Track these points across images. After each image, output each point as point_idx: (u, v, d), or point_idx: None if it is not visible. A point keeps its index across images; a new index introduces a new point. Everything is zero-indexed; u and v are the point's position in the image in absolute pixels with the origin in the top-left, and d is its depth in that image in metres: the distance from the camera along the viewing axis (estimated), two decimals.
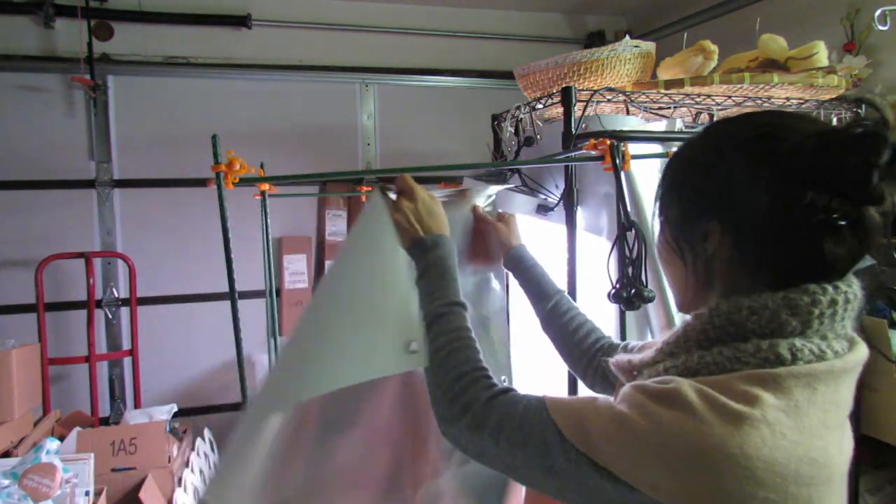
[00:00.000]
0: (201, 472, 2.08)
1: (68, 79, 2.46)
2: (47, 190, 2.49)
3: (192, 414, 2.61)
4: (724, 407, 0.54)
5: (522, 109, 1.63)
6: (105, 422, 2.45)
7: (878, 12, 1.80)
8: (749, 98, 1.52)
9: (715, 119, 1.55)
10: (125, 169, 2.59)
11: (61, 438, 1.78)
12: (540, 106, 1.55)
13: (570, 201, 1.37)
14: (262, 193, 1.60)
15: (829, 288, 0.59)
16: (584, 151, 1.24)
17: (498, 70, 3.00)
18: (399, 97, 2.94)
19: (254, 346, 2.39)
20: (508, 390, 0.69)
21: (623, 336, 1.32)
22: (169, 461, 1.84)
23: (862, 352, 0.62)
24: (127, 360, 2.57)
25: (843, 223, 0.57)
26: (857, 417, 1.72)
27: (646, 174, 1.37)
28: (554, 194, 1.56)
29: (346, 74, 2.84)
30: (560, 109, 1.41)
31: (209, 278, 2.64)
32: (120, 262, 2.56)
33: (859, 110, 1.69)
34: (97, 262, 2.53)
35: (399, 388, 0.97)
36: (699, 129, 1.44)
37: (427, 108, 2.99)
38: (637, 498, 0.56)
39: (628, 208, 1.08)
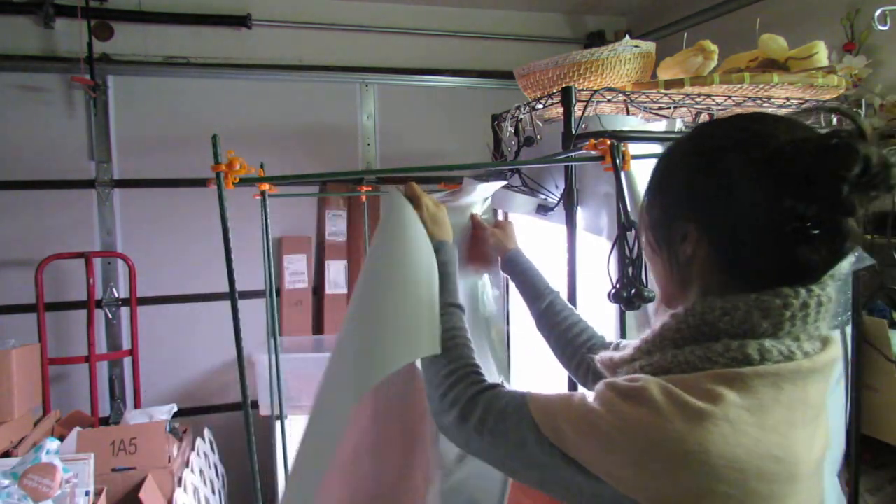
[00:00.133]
0: (201, 472, 2.08)
1: (68, 79, 2.46)
2: (47, 190, 2.49)
3: (192, 414, 2.61)
4: (686, 404, 0.56)
5: (522, 109, 1.63)
6: (105, 422, 2.45)
7: (878, 12, 1.80)
8: (749, 98, 1.52)
9: (714, 119, 1.55)
10: (125, 169, 2.59)
11: (61, 438, 1.78)
12: (540, 106, 1.55)
13: (570, 201, 1.37)
14: (262, 193, 1.60)
15: (802, 291, 0.61)
16: (584, 151, 1.24)
17: (498, 70, 3.00)
18: (399, 97, 2.94)
19: (254, 346, 2.39)
20: (495, 386, 0.72)
21: (623, 336, 1.32)
22: (169, 461, 1.84)
23: (833, 352, 0.64)
24: (127, 360, 2.57)
25: (816, 231, 0.58)
26: (856, 417, 1.72)
27: (646, 174, 1.36)
28: (554, 194, 1.56)
29: (346, 74, 2.84)
30: (560, 109, 1.41)
31: (209, 278, 2.64)
32: (120, 262, 2.56)
33: (858, 110, 1.69)
34: (97, 262, 2.53)
35: (396, 397, 0.99)
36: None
37: (427, 108, 2.99)
38: (606, 490, 0.58)
39: (628, 208, 1.09)
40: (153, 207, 2.62)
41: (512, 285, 1.21)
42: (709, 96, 1.49)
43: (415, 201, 0.93)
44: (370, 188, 2.54)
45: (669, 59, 1.60)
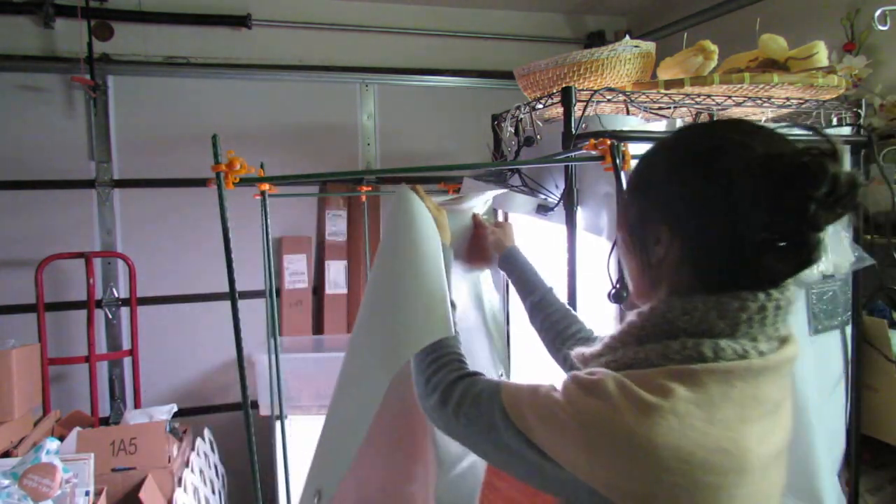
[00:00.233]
0: (201, 472, 2.08)
1: (68, 79, 2.46)
2: (47, 190, 2.49)
3: (192, 414, 2.61)
4: (637, 398, 0.59)
5: (522, 109, 1.62)
6: (105, 422, 2.45)
7: (878, 12, 1.80)
8: (749, 98, 1.52)
9: (715, 118, 1.55)
10: (125, 169, 2.59)
11: (61, 438, 1.78)
12: (540, 106, 1.55)
13: (570, 201, 1.37)
14: (262, 193, 1.60)
15: (761, 295, 0.64)
16: (584, 151, 1.24)
17: (498, 70, 3.00)
18: (399, 97, 2.94)
19: (254, 346, 2.39)
20: (474, 374, 0.77)
21: None
22: (169, 461, 1.84)
23: (789, 352, 0.66)
24: (127, 360, 2.57)
25: (783, 243, 0.61)
26: (856, 417, 1.72)
27: None
28: (554, 194, 1.55)
29: (346, 74, 2.84)
30: (560, 109, 1.40)
31: (209, 278, 2.64)
32: (120, 262, 2.56)
33: (859, 110, 1.69)
34: (97, 262, 2.53)
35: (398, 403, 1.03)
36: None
37: (427, 108, 2.99)
38: (566, 475, 0.63)
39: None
40: (153, 207, 2.62)
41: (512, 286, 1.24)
42: (709, 96, 1.49)
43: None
44: (370, 188, 2.54)
45: (669, 59, 1.60)
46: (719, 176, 0.62)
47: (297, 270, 2.77)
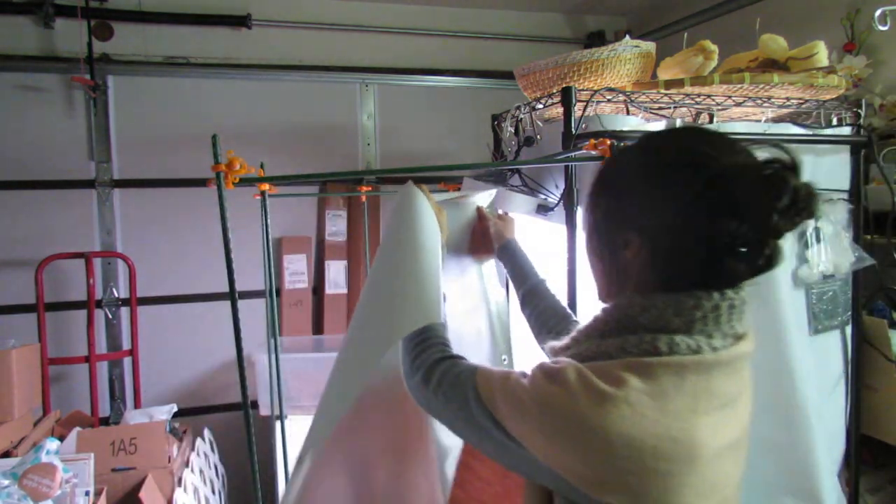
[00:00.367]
0: (201, 471, 2.08)
1: (68, 79, 2.46)
2: (47, 190, 2.49)
3: (192, 414, 2.61)
4: (593, 387, 0.63)
5: (522, 109, 1.62)
6: (105, 422, 2.45)
7: (878, 12, 1.80)
8: (749, 98, 1.52)
9: (715, 118, 1.54)
10: (125, 169, 2.59)
11: (61, 438, 1.78)
12: (540, 106, 1.55)
13: (570, 201, 1.37)
14: (262, 193, 1.60)
15: (716, 295, 0.68)
16: (584, 151, 1.24)
17: (498, 70, 3.00)
18: (399, 97, 2.94)
19: (254, 346, 2.39)
20: (455, 357, 0.81)
21: None
22: (169, 461, 1.84)
23: (742, 348, 0.70)
24: (127, 360, 2.57)
25: (744, 248, 0.65)
26: (856, 417, 1.72)
27: None
28: (554, 194, 1.55)
29: (346, 74, 2.84)
30: (560, 109, 1.40)
31: (209, 278, 2.64)
32: (120, 262, 2.56)
33: (859, 110, 1.69)
34: (97, 262, 2.53)
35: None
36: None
37: (427, 108, 2.99)
38: (527, 455, 0.67)
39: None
40: (153, 207, 2.62)
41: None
42: (709, 96, 1.49)
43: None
44: (370, 188, 2.54)
45: (669, 59, 1.60)
46: (690, 186, 0.66)
47: (297, 270, 2.77)
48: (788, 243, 1.60)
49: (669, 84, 1.47)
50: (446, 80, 2.98)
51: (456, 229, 1.27)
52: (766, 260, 0.67)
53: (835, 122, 1.69)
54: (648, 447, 0.61)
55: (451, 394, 0.75)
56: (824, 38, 1.59)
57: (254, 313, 2.66)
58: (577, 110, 1.38)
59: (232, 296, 1.00)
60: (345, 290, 2.82)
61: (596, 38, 3.14)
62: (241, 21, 2.65)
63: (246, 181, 1.04)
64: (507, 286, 1.65)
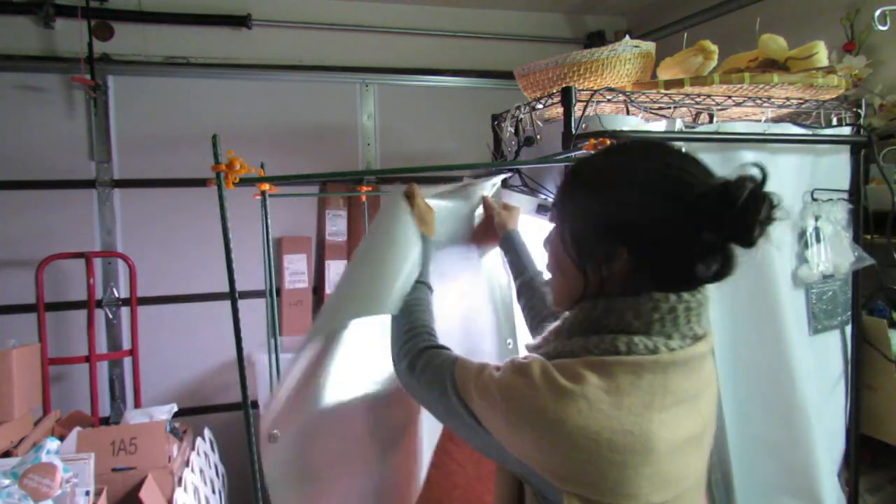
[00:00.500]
0: (201, 471, 2.07)
1: (68, 79, 2.46)
2: (47, 190, 2.49)
3: (192, 414, 2.61)
4: (555, 382, 0.68)
5: (522, 109, 1.63)
6: (105, 422, 2.45)
7: (878, 12, 1.80)
8: (749, 98, 1.52)
9: (715, 118, 1.55)
10: (125, 169, 2.59)
11: (61, 438, 1.78)
12: (540, 106, 1.55)
13: None
14: (262, 193, 1.60)
15: (672, 297, 0.72)
16: (584, 151, 1.24)
17: (498, 70, 2.99)
18: (399, 97, 2.94)
19: (254, 346, 2.39)
20: (438, 347, 0.87)
21: None
22: (169, 461, 1.84)
23: (700, 348, 0.73)
24: (127, 360, 2.57)
25: (715, 255, 0.71)
26: (856, 417, 1.72)
27: None
28: (554, 194, 1.55)
29: (346, 74, 2.84)
30: (560, 109, 1.41)
31: (209, 278, 2.64)
32: (120, 262, 2.56)
33: (859, 110, 1.69)
34: (97, 262, 2.53)
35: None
36: (698, 127, 1.44)
37: (427, 108, 2.99)
38: (495, 442, 0.73)
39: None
40: (153, 207, 2.62)
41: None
42: (709, 96, 1.49)
43: (410, 199, 1.09)
44: (370, 188, 2.54)
45: (669, 59, 1.60)
46: (682, 205, 0.69)
47: (297, 270, 2.78)
48: (788, 243, 1.60)
49: (669, 84, 1.47)
50: (446, 80, 2.98)
51: (461, 217, 1.32)
52: (729, 266, 0.73)
53: (835, 122, 1.69)
54: (604, 439, 0.65)
55: (432, 381, 0.81)
56: (824, 38, 1.59)
57: (254, 313, 2.66)
58: (577, 110, 1.38)
59: (232, 296, 1.00)
60: None
61: (596, 38, 3.14)
62: (241, 21, 2.65)
63: (246, 181, 1.04)
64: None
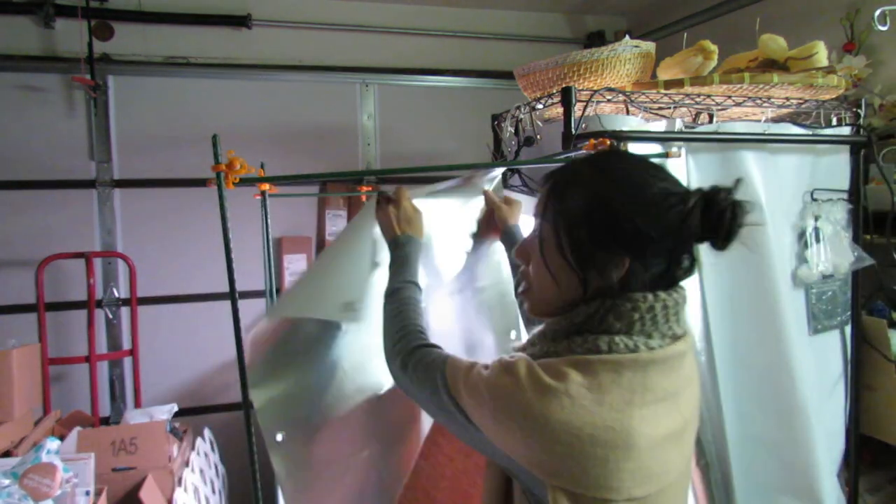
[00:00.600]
0: (201, 471, 2.08)
1: (68, 79, 2.46)
2: (47, 190, 2.49)
3: (192, 414, 2.61)
4: (539, 380, 0.71)
5: (522, 109, 1.63)
6: (105, 422, 2.45)
7: (878, 12, 1.80)
8: (749, 98, 1.52)
9: (715, 118, 1.55)
10: (125, 169, 2.59)
11: (61, 438, 1.78)
12: (540, 106, 1.55)
13: None
14: (262, 193, 1.61)
15: (650, 296, 0.75)
16: (584, 151, 1.24)
17: (498, 70, 3.00)
18: (399, 97, 2.94)
19: None
20: (430, 345, 0.90)
21: None
22: (169, 461, 1.84)
23: (678, 347, 0.77)
24: (127, 360, 2.57)
25: (689, 259, 0.78)
26: (856, 417, 1.72)
27: None
28: None
29: (346, 74, 2.84)
30: (560, 109, 1.41)
31: (209, 278, 2.64)
32: (120, 262, 2.56)
33: (858, 110, 1.69)
34: (97, 262, 2.53)
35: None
36: (698, 127, 1.44)
37: (427, 108, 2.99)
38: (484, 437, 0.76)
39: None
40: (153, 207, 2.62)
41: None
42: (708, 96, 1.49)
43: (396, 202, 1.12)
44: (370, 188, 2.54)
45: (669, 59, 1.60)
46: (677, 217, 0.74)
47: (297, 270, 2.78)
48: (788, 243, 1.60)
49: (669, 84, 1.47)
50: (446, 80, 2.98)
51: (461, 212, 1.34)
52: (695, 264, 0.79)
53: (834, 122, 1.69)
54: (586, 435, 0.68)
55: (424, 379, 0.84)
56: (824, 38, 1.59)
57: (254, 313, 2.66)
58: (577, 110, 1.38)
59: (232, 295, 1.00)
60: None
61: (596, 38, 3.14)
62: (241, 21, 2.66)
63: (246, 181, 1.04)
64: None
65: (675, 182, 0.79)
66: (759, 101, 1.54)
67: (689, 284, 1.44)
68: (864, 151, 1.70)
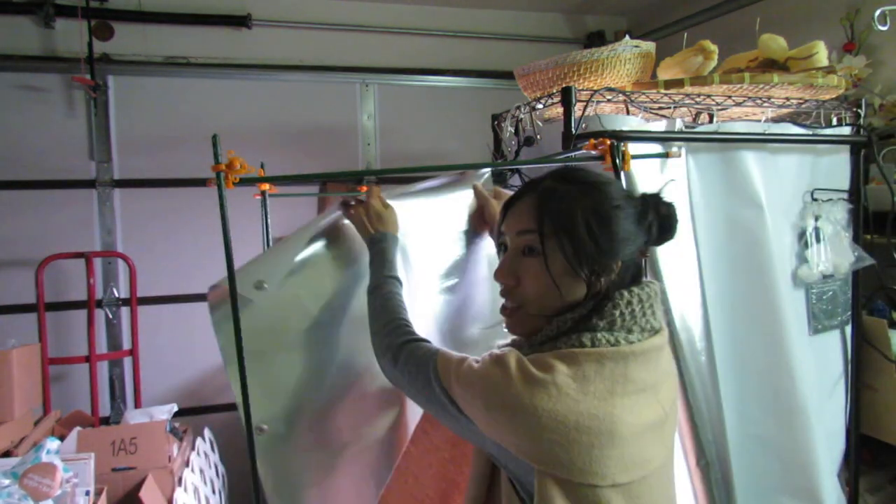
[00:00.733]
0: (201, 471, 2.08)
1: (68, 79, 2.46)
2: (47, 190, 2.49)
3: (192, 414, 2.61)
4: (528, 372, 0.75)
5: (522, 109, 1.62)
6: (105, 422, 2.45)
7: (878, 12, 1.80)
8: (749, 98, 1.52)
9: (715, 118, 1.55)
10: (125, 169, 2.59)
11: (61, 438, 1.78)
12: (540, 106, 1.55)
13: None
14: (262, 193, 1.61)
15: (626, 293, 0.82)
16: (584, 151, 1.24)
17: (498, 70, 3.00)
18: (399, 97, 2.94)
19: None
20: (419, 339, 0.93)
21: None
22: (169, 461, 1.84)
23: (656, 341, 0.83)
24: (127, 360, 2.57)
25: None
26: (856, 417, 1.72)
27: (646, 174, 1.37)
28: None
29: (346, 74, 2.84)
30: (560, 109, 1.40)
31: (209, 278, 2.61)
32: (120, 262, 2.56)
33: (859, 110, 1.69)
34: (97, 262, 2.53)
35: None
36: (698, 127, 1.44)
37: (427, 108, 2.99)
38: (474, 427, 0.79)
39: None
40: (153, 207, 2.62)
41: None
42: (709, 96, 1.49)
43: (365, 203, 1.17)
44: (368, 189, 2.54)
45: (669, 59, 1.60)
46: (646, 219, 0.85)
47: None
48: (788, 243, 1.60)
49: (669, 84, 1.47)
50: (446, 80, 2.98)
51: (449, 207, 1.35)
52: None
53: (835, 122, 1.69)
54: (572, 422, 0.72)
55: (415, 373, 0.87)
56: (824, 38, 1.59)
57: None
58: (577, 110, 1.38)
59: (232, 295, 1.00)
60: None
61: (596, 38, 3.14)
62: (241, 21, 2.66)
63: (246, 181, 1.04)
64: None
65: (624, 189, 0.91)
66: (759, 101, 1.54)
67: (689, 284, 1.44)
68: (865, 151, 1.70)
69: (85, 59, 2.36)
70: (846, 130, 1.68)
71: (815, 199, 1.64)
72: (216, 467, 2.31)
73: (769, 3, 2.28)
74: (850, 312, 1.73)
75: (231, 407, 2.73)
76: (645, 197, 0.88)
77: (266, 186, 1.55)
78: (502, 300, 0.91)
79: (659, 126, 1.45)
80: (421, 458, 1.12)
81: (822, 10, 2.14)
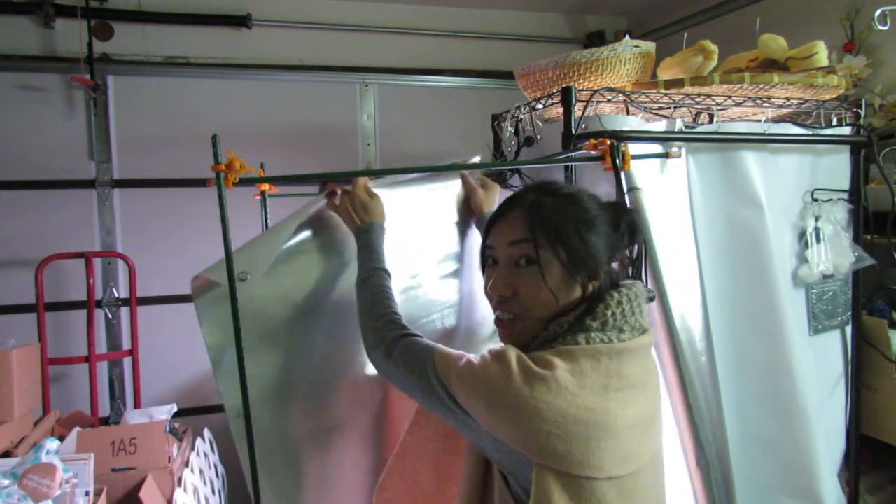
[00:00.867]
0: (201, 471, 2.07)
1: (68, 79, 2.46)
2: (47, 190, 2.49)
3: (192, 414, 2.61)
4: (528, 368, 0.78)
5: (522, 109, 1.62)
6: (105, 422, 2.45)
7: (878, 12, 1.80)
8: (749, 98, 1.52)
9: (715, 118, 1.55)
10: (125, 169, 2.59)
11: (61, 438, 1.78)
12: (540, 106, 1.55)
13: None
14: (262, 193, 1.61)
15: (615, 293, 0.87)
16: (584, 151, 1.24)
17: (498, 70, 3.00)
18: (399, 97, 2.94)
19: None
20: (412, 334, 0.95)
21: None
22: (169, 461, 1.84)
23: (645, 339, 0.88)
24: (127, 360, 2.57)
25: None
26: (856, 417, 1.72)
27: (646, 174, 1.37)
28: None
29: (346, 74, 2.84)
30: (560, 109, 1.40)
31: None
32: (120, 262, 2.56)
33: (859, 110, 1.69)
34: (97, 262, 2.53)
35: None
36: (699, 127, 1.44)
37: (427, 108, 2.99)
38: (472, 421, 0.81)
39: (628, 208, 1.10)
40: (153, 207, 2.62)
41: None
42: (709, 96, 1.49)
43: (349, 193, 1.20)
44: None
45: (669, 59, 1.60)
46: (620, 225, 0.92)
47: None
48: (788, 243, 1.60)
49: (669, 84, 1.47)
50: (446, 80, 2.98)
51: (438, 198, 1.38)
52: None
53: (835, 122, 1.69)
54: (570, 415, 0.76)
55: (411, 367, 0.89)
56: (824, 38, 1.59)
57: None
58: (577, 110, 1.38)
59: (232, 295, 1.00)
60: None
61: (596, 38, 3.14)
62: (241, 21, 2.66)
63: (246, 181, 1.04)
64: None
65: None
66: (759, 101, 1.54)
67: (689, 284, 1.44)
68: (865, 151, 1.70)
69: (85, 59, 2.36)
70: (846, 130, 1.68)
71: (815, 200, 1.64)
72: (216, 468, 2.31)
73: (769, 3, 2.28)
74: (850, 313, 1.73)
75: None
76: (612, 205, 0.94)
77: (266, 186, 1.55)
78: (491, 295, 0.93)
79: (659, 126, 1.45)
80: (417, 448, 1.14)
81: (822, 10, 2.14)
